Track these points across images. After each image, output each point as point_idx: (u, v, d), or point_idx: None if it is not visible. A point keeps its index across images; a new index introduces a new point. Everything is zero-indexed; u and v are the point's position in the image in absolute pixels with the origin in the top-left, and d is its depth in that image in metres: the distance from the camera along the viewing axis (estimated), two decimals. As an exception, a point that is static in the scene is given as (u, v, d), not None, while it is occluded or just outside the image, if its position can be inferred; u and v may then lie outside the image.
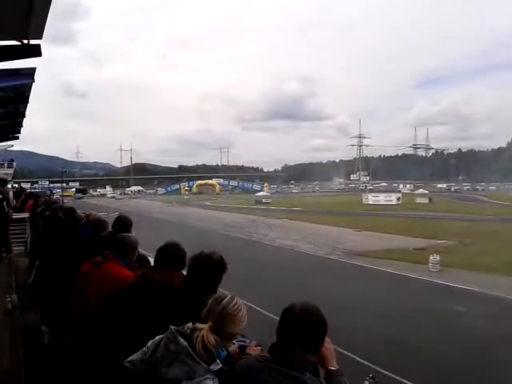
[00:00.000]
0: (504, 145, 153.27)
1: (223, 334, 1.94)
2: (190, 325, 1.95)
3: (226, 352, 1.99)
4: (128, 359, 2.03)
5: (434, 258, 23.18)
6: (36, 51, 4.82)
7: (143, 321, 2.27)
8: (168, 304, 2.34)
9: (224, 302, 1.99)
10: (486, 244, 28.81)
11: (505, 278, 20.39)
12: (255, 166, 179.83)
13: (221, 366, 1.88)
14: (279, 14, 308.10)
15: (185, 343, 1.87)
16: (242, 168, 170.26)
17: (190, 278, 2.46)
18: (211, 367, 1.85)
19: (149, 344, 2.01)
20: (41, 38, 4.70)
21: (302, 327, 1.84)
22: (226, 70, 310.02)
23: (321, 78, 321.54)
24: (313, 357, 1.86)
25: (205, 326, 1.92)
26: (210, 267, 2.45)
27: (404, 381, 10.23)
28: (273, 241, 34.48)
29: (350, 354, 10.86)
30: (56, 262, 4.37)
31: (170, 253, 2.83)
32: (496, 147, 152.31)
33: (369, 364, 10.61)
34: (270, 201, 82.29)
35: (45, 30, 4.60)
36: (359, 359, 10.95)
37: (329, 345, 2.01)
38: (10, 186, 14.53)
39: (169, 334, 1.93)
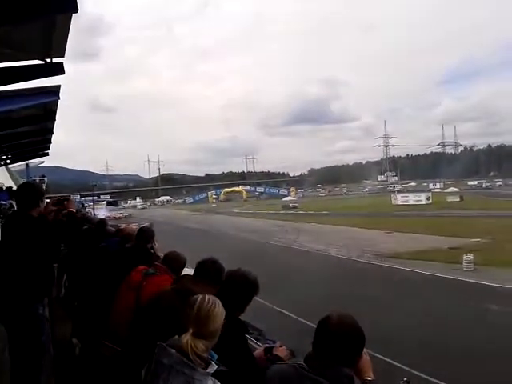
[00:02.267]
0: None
1: (207, 334, 1.92)
2: (175, 337, 1.94)
3: (215, 354, 1.97)
4: None
5: (468, 257, 22.60)
6: (59, 69, 5.00)
7: (178, 329, 2.33)
8: None
9: (197, 303, 1.98)
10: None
11: None
12: (281, 171, 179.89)
13: (216, 367, 1.88)
14: (299, 18, 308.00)
15: (177, 353, 1.85)
16: (268, 174, 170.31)
17: (224, 292, 2.49)
18: (208, 370, 1.84)
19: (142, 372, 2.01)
20: (63, 56, 4.89)
21: (339, 339, 1.80)
22: (247, 77, 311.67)
23: (344, 80, 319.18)
24: (350, 370, 1.82)
25: (187, 334, 1.90)
26: (244, 286, 2.52)
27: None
28: (302, 245, 34.31)
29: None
30: (86, 274, 4.50)
31: (208, 267, 2.92)
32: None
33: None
34: (297, 205, 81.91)
35: (68, 48, 4.78)
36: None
37: (365, 355, 1.96)
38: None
39: (159, 349, 1.91)
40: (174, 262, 3.59)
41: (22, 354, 3.29)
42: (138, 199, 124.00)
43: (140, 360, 2.57)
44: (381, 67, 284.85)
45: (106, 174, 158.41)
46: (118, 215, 66.97)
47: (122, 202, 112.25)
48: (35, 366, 3.34)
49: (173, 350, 1.87)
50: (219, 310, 2.00)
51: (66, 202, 4.04)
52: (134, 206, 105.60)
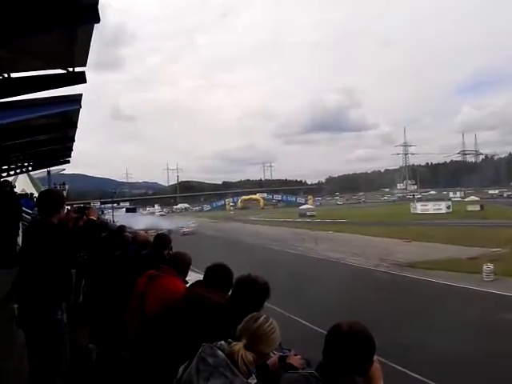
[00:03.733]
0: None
1: (257, 351, 1.94)
2: (222, 342, 1.97)
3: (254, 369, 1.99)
4: None
5: (488, 267, 22.20)
6: (81, 78, 5.13)
7: (190, 335, 2.30)
8: (210, 320, 2.41)
9: (259, 321, 2.00)
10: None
11: None
12: (298, 179, 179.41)
13: (256, 381, 1.89)
14: (318, 29, 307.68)
15: (223, 356, 1.87)
16: (285, 182, 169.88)
17: (234, 298, 2.53)
18: (249, 380, 1.86)
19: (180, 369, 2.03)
20: (85, 66, 5.01)
21: (349, 347, 1.78)
22: (266, 86, 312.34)
23: (362, 88, 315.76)
24: (361, 378, 1.80)
25: (240, 343, 1.93)
26: (255, 290, 2.53)
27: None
28: (318, 253, 34.16)
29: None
30: (103, 281, 4.57)
31: (217, 273, 2.92)
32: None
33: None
34: (314, 213, 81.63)
35: (90, 57, 4.90)
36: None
37: (376, 363, 1.93)
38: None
39: (205, 348, 1.94)
40: (180, 262, 3.64)
41: (40, 359, 3.34)
42: (157, 206, 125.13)
43: (152, 367, 2.63)
44: (400, 76, 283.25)
45: (125, 181, 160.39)
46: (188, 229, 58.46)
47: (141, 209, 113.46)
48: (52, 370, 3.38)
49: (220, 352, 1.90)
50: (276, 337, 2.02)
51: (87, 211, 4.10)
52: (153, 213, 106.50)
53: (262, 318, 2.02)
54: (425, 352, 12.96)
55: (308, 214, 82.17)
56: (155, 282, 3.43)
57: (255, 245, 39.03)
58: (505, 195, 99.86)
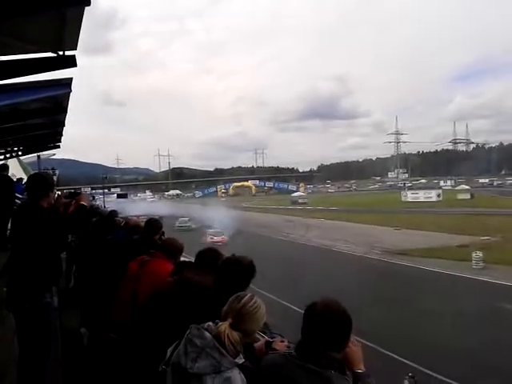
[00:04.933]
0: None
1: (243, 330, 1.96)
2: (210, 323, 2.00)
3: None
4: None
5: (477, 254, 22.49)
6: (71, 62, 5.03)
7: (180, 319, 2.32)
8: (199, 302, 2.44)
9: (244, 300, 2.02)
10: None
11: None
12: (290, 166, 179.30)
13: (244, 360, 1.92)
14: (312, 14, 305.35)
15: (210, 337, 1.90)
16: (277, 169, 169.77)
17: (220, 279, 2.55)
18: (236, 360, 1.89)
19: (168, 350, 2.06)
20: (75, 49, 4.91)
21: (325, 324, 1.81)
22: (259, 73, 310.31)
23: (355, 76, 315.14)
24: (338, 354, 1.83)
25: (225, 323, 1.96)
26: (239, 270, 2.55)
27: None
28: (309, 240, 34.35)
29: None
30: (94, 265, 4.58)
31: (209, 256, 2.93)
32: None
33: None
34: (306, 201, 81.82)
35: (80, 41, 4.81)
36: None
37: (356, 347, 1.99)
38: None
39: (192, 330, 1.96)
40: (171, 247, 3.67)
41: (29, 342, 3.36)
42: (148, 192, 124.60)
43: (143, 350, 2.65)
44: (393, 64, 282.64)
45: (116, 167, 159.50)
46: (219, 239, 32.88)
47: (132, 195, 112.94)
48: (42, 353, 3.41)
49: (207, 334, 1.92)
50: (261, 314, 2.04)
51: (77, 197, 4.08)
52: (144, 199, 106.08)
53: (246, 297, 2.04)
54: (410, 337, 13.17)
55: (300, 201, 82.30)
56: (147, 266, 3.48)
57: (246, 231, 39.11)
58: (495, 184, 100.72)
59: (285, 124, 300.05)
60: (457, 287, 19.07)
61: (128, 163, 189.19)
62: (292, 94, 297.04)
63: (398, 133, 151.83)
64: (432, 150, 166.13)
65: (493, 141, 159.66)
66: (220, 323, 1.97)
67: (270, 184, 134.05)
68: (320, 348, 1.79)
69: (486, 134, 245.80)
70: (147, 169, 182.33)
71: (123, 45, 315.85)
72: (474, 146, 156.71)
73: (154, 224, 4.54)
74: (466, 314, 14.96)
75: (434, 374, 10.76)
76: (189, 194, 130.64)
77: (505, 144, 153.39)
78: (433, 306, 15.81)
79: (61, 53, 4.95)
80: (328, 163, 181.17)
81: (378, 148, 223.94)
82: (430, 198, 68.27)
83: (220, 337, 1.91)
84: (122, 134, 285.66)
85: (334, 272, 21.22)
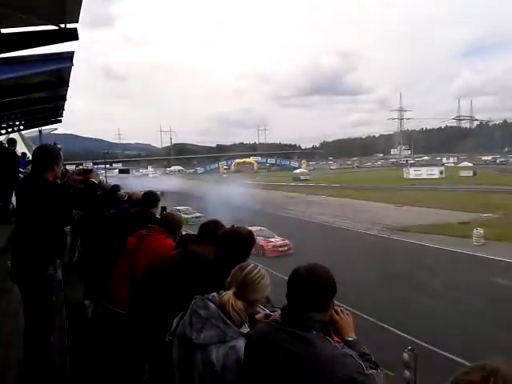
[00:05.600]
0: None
1: (247, 299, 1.99)
2: (214, 294, 2.03)
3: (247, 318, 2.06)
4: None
5: (478, 231, 22.57)
6: (73, 35, 4.96)
7: (184, 290, 2.34)
8: (203, 274, 2.46)
9: (247, 269, 2.05)
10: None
11: None
12: (293, 143, 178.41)
13: (248, 329, 1.96)
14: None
15: (215, 308, 1.94)
16: (279, 145, 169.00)
17: (220, 251, 2.57)
18: (241, 330, 1.93)
19: (174, 321, 2.10)
20: (77, 22, 4.83)
21: (306, 287, 1.82)
22: (263, 48, 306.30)
23: (360, 51, 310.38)
24: (320, 315, 1.82)
25: (229, 292, 1.99)
26: (238, 241, 2.57)
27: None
28: (310, 217, 34.45)
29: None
30: (97, 239, 4.62)
31: (211, 229, 2.93)
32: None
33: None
34: (308, 178, 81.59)
35: (81, 14, 4.73)
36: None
37: (346, 316, 2.02)
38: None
39: (197, 301, 2.01)
40: (171, 222, 3.69)
41: (34, 313, 3.42)
42: (150, 168, 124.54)
43: (147, 322, 2.68)
44: (398, 39, 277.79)
45: (118, 142, 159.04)
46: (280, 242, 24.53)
47: (134, 171, 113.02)
48: (46, 324, 3.46)
49: (212, 304, 1.96)
50: (265, 284, 2.06)
51: (88, 174, 4.07)
52: (146, 175, 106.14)
53: (249, 267, 2.07)
54: (406, 310, 13.39)
55: (302, 178, 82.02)
56: (145, 240, 3.51)
57: (250, 209, 39.17)
58: (498, 161, 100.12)
59: (287, 100, 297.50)
60: (455, 263, 19.25)
61: (129, 139, 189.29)
62: (295, 70, 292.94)
63: (401, 109, 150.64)
64: (435, 127, 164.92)
65: (497, 118, 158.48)
66: (224, 293, 2.00)
67: (272, 161, 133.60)
68: (302, 310, 1.80)
69: (490, 111, 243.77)
70: (149, 144, 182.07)
71: (124, 18, 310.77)
72: (478, 123, 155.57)
73: (150, 197, 4.51)
74: (461, 288, 15.14)
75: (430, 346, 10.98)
76: (190, 170, 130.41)
77: (509, 121, 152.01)
78: (430, 281, 16.00)
79: (62, 26, 4.87)
80: (330, 140, 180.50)
81: (381, 124, 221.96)
82: (433, 175, 68.04)
83: (224, 307, 1.94)
84: (124, 109, 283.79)
85: (334, 247, 21.34)
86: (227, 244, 2.56)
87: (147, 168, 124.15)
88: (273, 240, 23.97)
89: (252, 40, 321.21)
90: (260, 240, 21.85)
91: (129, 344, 2.91)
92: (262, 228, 24.26)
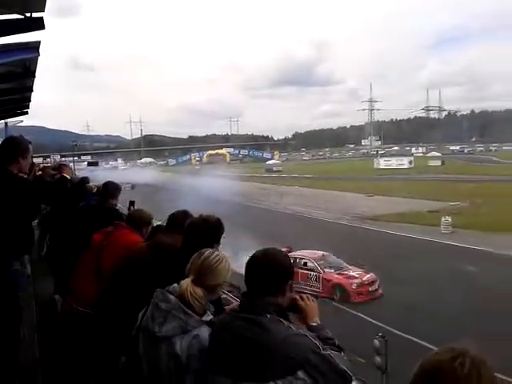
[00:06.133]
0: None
1: (206, 285, 1.98)
2: (175, 285, 2.00)
3: (213, 307, 2.06)
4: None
5: (446, 219, 23.15)
6: (39, 24, 4.78)
7: (153, 283, 2.30)
8: (171, 265, 2.41)
9: (204, 255, 2.03)
10: (498, 204, 28.54)
11: None
12: (265, 134, 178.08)
13: (212, 317, 1.96)
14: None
15: (175, 299, 1.93)
16: (252, 137, 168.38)
17: (187, 239, 2.54)
18: (203, 318, 1.93)
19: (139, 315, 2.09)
20: (43, 11, 4.67)
21: (261, 271, 1.84)
22: (235, 38, 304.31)
23: (330, 42, 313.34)
24: (275, 298, 1.83)
25: (187, 280, 1.97)
26: (206, 229, 2.54)
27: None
28: (283, 208, 34.61)
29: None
30: (65, 232, 4.55)
31: (180, 219, 2.90)
32: (510, 107, 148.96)
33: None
34: (280, 169, 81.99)
35: (48, 3, 4.57)
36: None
37: (311, 302, 2.04)
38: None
39: (157, 294, 1.99)
40: (138, 219, 3.62)
41: (1, 310, 3.31)
42: (120, 160, 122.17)
43: (115, 318, 2.65)
44: (367, 30, 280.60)
45: (86, 134, 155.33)
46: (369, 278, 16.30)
47: (104, 163, 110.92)
48: (14, 319, 3.39)
49: (172, 296, 1.95)
50: (225, 268, 2.05)
51: (61, 168, 3.96)
52: (116, 168, 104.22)
53: (207, 252, 2.06)
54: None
55: (274, 169, 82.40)
56: (111, 237, 3.45)
57: (222, 200, 39.00)
58: (465, 151, 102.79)
59: (259, 91, 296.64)
60: (423, 251, 19.71)
61: (98, 130, 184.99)
62: (267, 61, 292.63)
63: (371, 100, 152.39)
64: (405, 118, 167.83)
65: (464, 108, 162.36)
66: (182, 281, 1.98)
67: (244, 152, 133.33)
68: (258, 295, 1.82)
69: (458, 101, 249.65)
70: (118, 136, 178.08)
71: (92, 7, 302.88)
72: (446, 113, 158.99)
73: (110, 188, 4.45)
74: (427, 276, 15.51)
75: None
76: (162, 162, 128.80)
77: (476, 111, 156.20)
78: (396, 269, 16.36)
79: (28, 15, 4.70)
80: (303, 131, 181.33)
81: (352, 115, 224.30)
82: (402, 164, 69.37)
83: (184, 296, 1.92)
84: (92, 100, 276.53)
85: (305, 237, 21.48)
86: (195, 233, 2.53)
87: (117, 160, 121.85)
88: (355, 274, 16.07)
89: (224, 30, 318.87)
90: (332, 275, 16.17)
91: (97, 340, 2.87)
92: (326, 253, 17.49)
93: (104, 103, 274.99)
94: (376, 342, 11.00)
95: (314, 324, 1.97)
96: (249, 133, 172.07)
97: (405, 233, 23.57)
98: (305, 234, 22.33)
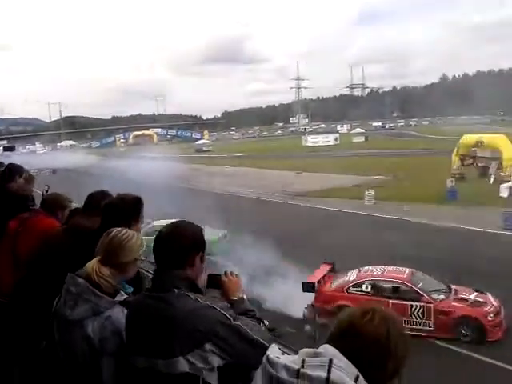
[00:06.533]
0: (436, 80, 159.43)
1: (116, 263, 1.97)
2: (85, 267, 1.99)
3: (130, 287, 2.07)
4: None
5: (369, 192, 24.05)
6: None
7: (70, 267, 2.19)
8: (89, 247, 2.29)
9: (112, 233, 2.02)
10: (418, 177, 30.26)
11: (431, 207, 22.13)
12: (194, 113, 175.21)
13: (126, 296, 1.97)
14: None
15: (84, 282, 1.92)
16: (180, 116, 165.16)
17: (106, 220, 2.46)
18: (116, 299, 1.94)
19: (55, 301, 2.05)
20: None
21: (165, 244, 1.83)
22: (159, 16, 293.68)
23: (257, 20, 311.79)
24: (182, 271, 1.82)
25: (93, 260, 1.96)
26: (123, 207, 2.51)
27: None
28: (214, 188, 34.17)
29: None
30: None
31: (98, 199, 2.81)
32: (429, 83, 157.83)
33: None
34: (210, 148, 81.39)
35: None
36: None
37: (233, 277, 2.06)
38: None
39: (68, 279, 1.98)
40: (54, 203, 3.49)
41: None
42: (38, 144, 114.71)
43: (30, 308, 2.56)
44: (293, 7, 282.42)
45: (1, 117, 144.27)
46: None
47: (21, 148, 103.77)
48: None
49: (81, 279, 1.94)
50: (135, 244, 2.04)
51: None
52: (33, 152, 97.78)
53: (115, 230, 2.04)
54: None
55: (204, 149, 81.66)
56: (27, 223, 3.35)
57: (150, 182, 37.72)
58: (387, 127, 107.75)
59: (186, 68, 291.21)
60: (348, 222, 20.40)
61: (14, 113, 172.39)
62: (193, 38, 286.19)
63: (299, 78, 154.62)
64: (331, 96, 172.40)
65: (386, 85, 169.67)
66: (88, 263, 1.96)
67: (172, 132, 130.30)
68: (165, 269, 1.81)
69: (382, 78, 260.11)
70: (36, 119, 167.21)
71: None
72: (369, 90, 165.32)
73: (10, 171, 4.12)
74: (351, 244, 15.87)
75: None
76: (84, 145, 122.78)
77: (398, 88, 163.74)
78: (321, 240, 16.62)
79: None
80: (232, 110, 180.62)
81: (281, 94, 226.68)
82: (328, 142, 71.40)
83: (91, 278, 1.91)
84: (6, 81, 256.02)
85: (233, 216, 21.23)
86: (112, 212, 2.49)
87: (35, 144, 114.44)
88: (480, 299, 11.28)
89: (149, 8, 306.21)
90: (451, 303, 11.14)
91: (17, 328, 2.77)
92: (415, 271, 12.08)
93: (20, 84, 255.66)
94: (305, 311, 11.15)
95: (235, 298, 1.98)
96: (177, 113, 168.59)
97: (330, 207, 24.28)
98: (231, 214, 21.99)
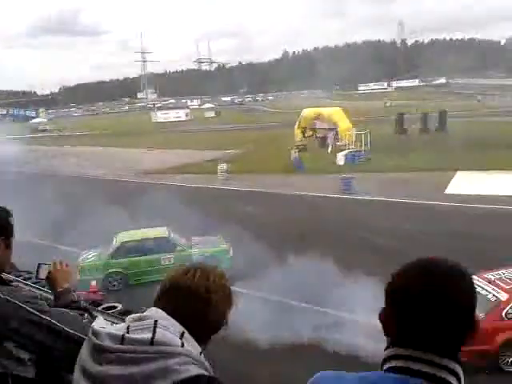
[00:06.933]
0: (279, 56, 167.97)
1: None
2: None
3: None
4: None
5: (222, 167, 24.39)
6: None
7: None
8: None
9: None
10: (267, 150, 31.65)
11: (280, 177, 23.34)
12: (27, 90, 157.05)
13: None
14: None
15: None
16: (11, 93, 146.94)
17: None
18: None
19: None
20: None
21: None
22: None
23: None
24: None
25: None
26: None
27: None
28: (57, 170, 31.26)
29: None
30: None
31: None
32: (273, 59, 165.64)
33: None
34: (47, 127, 74.18)
35: None
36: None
37: (63, 267, 2.01)
38: None
39: None
40: None
41: None
42: None
43: None
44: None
45: None
46: None
47: None
48: None
49: None
50: None
51: None
52: None
53: None
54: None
55: (40, 128, 74.12)
56: None
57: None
58: (236, 102, 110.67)
59: (16, 40, 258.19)
60: (200, 197, 20.18)
61: None
62: (23, 8, 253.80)
63: (143, 52, 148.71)
64: (179, 70, 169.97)
65: (232, 61, 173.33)
66: None
67: (2, 111, 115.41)
68: None
69: (230, 53, 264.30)
70: None
71: None
72: (217, 65, 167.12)
73: None
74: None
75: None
76: None
77: (243, 63, 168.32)
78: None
79: None
80: (71, 85, 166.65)
81: (125, 67, 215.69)
82: (179, 117, 70.75)
83: None
84: None
85: (73, 199, 19.57)
86: None
87: None
88: None
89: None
90: None
91: None
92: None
93: None
94: (93, 283, 10.68)
95: (61, 289, 1.92)
96: (6, 89, 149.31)
97: (182, 182, 24.01)
98: (73, 197, 20.25)
